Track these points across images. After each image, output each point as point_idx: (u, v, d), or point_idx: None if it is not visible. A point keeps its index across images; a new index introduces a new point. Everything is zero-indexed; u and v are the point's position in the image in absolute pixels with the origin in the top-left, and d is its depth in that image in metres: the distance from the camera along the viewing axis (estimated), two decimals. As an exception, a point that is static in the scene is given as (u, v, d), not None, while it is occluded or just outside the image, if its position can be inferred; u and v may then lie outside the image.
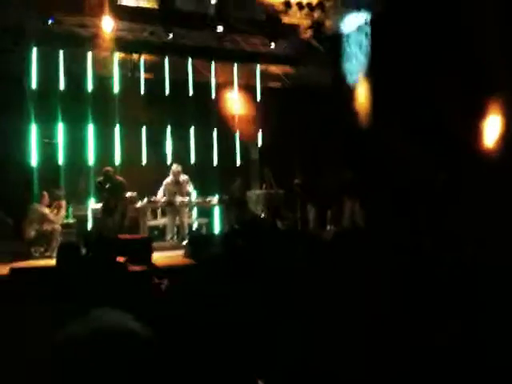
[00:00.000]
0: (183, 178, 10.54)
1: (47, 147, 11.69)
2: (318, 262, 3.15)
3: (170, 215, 10.36)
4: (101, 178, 9.76)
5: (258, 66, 13.99)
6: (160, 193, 10.46)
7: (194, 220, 11.89)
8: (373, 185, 10.54)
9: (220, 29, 11.53)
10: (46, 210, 8.62)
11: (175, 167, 10.55)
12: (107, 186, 9.48)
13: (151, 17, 11.42)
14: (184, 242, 9.81)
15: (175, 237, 10.31)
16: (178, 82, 13.23)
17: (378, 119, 11.49)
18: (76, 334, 1.02)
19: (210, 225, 11.79)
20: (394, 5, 10.20)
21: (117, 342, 1.01)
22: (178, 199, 10.31)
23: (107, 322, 1.05)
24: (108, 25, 10.85)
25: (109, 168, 10.28)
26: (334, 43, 12.19)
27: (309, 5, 11.85)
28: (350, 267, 2.74)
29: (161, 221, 10.90)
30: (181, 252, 8.87)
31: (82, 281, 2.77)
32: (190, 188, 10.67)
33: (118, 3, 10.76)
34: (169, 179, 10.45)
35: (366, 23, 11.24)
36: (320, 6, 11.82)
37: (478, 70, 8.72)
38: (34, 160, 11.61)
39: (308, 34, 12.60)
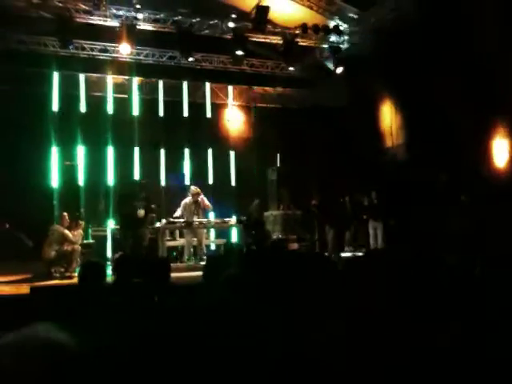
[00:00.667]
0: (201, 197, 10.54)
1: (68, 169, 11.89)
2: (336, 284, 3.12)
3: (188, 236, 10.36)
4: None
5: (275, 89, 14.15)
6: (178, 212, 10.43)
7: (212, 240, 11.92)
8: (393, 205, 10.50)
9: (240, 53, 11.70)
10: (66, 231, 8.71)
11: (194, 188, 10.58)
12: (142, 195, 9.55)
13: (170, 41, 11.66)
14: (202, 263, 9.83)
15: (192, 257, 10.28)
16: (196, 104, 13.45)
17: (396, 139, 11.49)
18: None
19: (227, 245, 11.78)
20: (409, 26, 10.26)
21: (35, 351, 1.03)
22: (196, 219, 10.31)
23: (31, 334, 1.07)
24: (127, 49, 11.10)
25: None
26: (350, 65, 12.26)
27: (324, 28, 11.99)
28: (370, 289, 2.73)
29: (179, 241, 10.92)
30: (200, 273, 8.83)
31: (104, 300, 2.80)
32: (207, 202, 10.59)
33: (138, 28, 10.98)
34: (187, 199, 10.47)
35: (380, 46, 11.30)
36: (335, 29, 11.95)
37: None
38: (54, 181, 11.82)
39: (324, 56, 12.73)
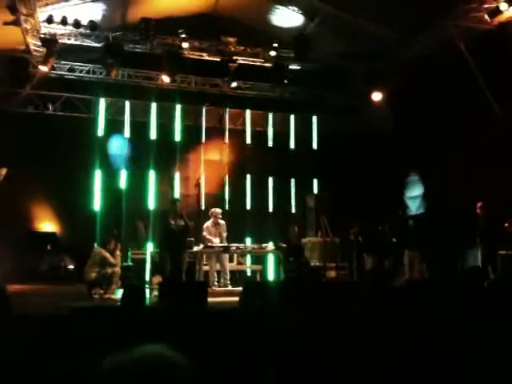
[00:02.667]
0: (221, 221, 10.56)
1: (111, 192, 12.16)
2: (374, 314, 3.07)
3: (211, 261, 10.25)
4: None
5: (315, 117, 14.22)
6: (208, 236, 10.36)
7: (248, 266, 11.90)
8: (435, 233, 10.28)
9: (285, 81, 11.87)
10: (107, 254, 8.87)
11: (216, 209, 10.59)
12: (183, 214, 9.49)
13: (213, 69, 11.94)
14: (228, 288, 9.83)
15: (216, 283, 10.14)
16: (236, 130, 13.64)
17: (439, 167, 11.32)
18: (115, 363, 1.06)
19: (263, 272, 11.73)
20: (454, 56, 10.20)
21: (154, 369, 1.05)
22: (217, 242, 10.24)
23: (146, 352, 1.09)
24: (168, 79, 11.46)
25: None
26: (392, 91, 12.21)
27: (365, 55, 12.01)
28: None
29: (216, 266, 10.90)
30: (235, 298, 8.77)
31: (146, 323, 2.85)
32: (225, 233, 10.57)
33: (182, 57, 11.31)
34: (209, 222, 10.47)
35: (423, 73, 11.23)
36: (379, 56, 11.95)
37: None
38: (97, 204, 12.11)
39: (365, 82, 12.73)
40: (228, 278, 10.23)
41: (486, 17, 9.36)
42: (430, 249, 10.59)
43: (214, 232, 10.34)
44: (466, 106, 10.13)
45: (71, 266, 11.31)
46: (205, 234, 10.29)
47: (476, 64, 9.82)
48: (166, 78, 11.48)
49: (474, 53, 9.88)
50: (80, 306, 6.53)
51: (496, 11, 9.21)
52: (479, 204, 9.37)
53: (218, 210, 10.58)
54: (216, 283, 10.09)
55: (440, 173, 11.26)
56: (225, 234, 10.47)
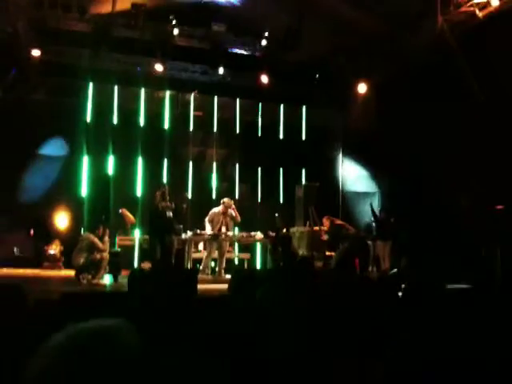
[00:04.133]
0: (230, 210, 10.49)
1: (99, 178, 12.07)
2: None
3: (211, 247, 10.26)
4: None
5: (304, 108, 14.23)
6: (207, 222, 10.38)
7: (236, 255, 11.95)
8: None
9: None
10: (96, 239, 8.84)
11: (228, 200, 10.55)
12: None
13: (203, 57, 11.88)
14: (222, 275, 9.87)
15: (207, 269, 10.15)
16: (226, 120, 13.60)
17: (423, 158, 11.46)
18: (51, 343, 1.01)
19: (251, 260, 11.81)
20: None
21: (95, 339, 1.00)
22: (224, 231, 10.25)
23: (84, 325, 1.03)
24: (161, 67, 11.40)
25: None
26: (380, 89, 12.28)
27: (355, 52, 12.01)
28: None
29: (204, 254, 10.91)
30: (224, 286, 8.79)
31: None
32: (238, 217, 10.52)
33: (173, 43, 11.23)
34: (216, 209, 10.43)
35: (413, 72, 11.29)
36: (367, 50, 11.97)
37: None
38: (84, 190, 12.04)
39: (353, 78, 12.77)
40: (223, 266, 10.24)
41: (477, 11, 9.42)
42: (408, 241, 10.78)
43: (220, 220, 10.30)
44: (454, 100, 10.23)
45: (57, 252, 11.27)
46: (206, 219, 10.28)
47: (463, 56, 9.90)
48: (159, 67, 11.41)
49: (462, 45, 9.96)
50: (70, 291, 6.54)
51: (486, 6, 9.28)
52: (461, 195, 9.54)
53: (230, 201, 10.54)
54: (207, 269, 10.13)
55: (424, 164, 11.42)
56: (231, 224, 10.48)
